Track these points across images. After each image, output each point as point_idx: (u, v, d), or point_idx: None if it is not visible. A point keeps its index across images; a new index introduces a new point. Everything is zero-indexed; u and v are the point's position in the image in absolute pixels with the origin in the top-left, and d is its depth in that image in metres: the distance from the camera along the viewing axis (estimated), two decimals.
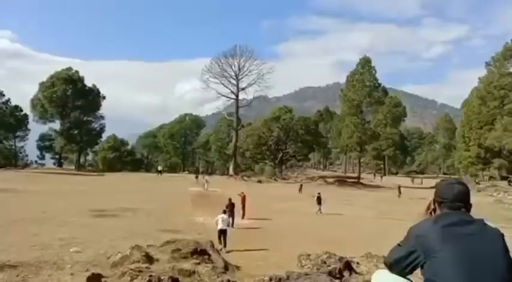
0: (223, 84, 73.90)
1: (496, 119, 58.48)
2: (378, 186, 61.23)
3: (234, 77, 73.60)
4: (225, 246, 14.85)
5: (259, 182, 57.33)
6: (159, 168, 64.85)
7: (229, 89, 74.21)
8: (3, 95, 75.62)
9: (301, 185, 44.81)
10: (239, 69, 73.29)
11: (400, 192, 44.83)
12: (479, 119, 62.31)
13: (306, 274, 3.91)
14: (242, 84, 73.97)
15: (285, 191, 44.48)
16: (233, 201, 21.71)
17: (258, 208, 27.94)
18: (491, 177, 70.60)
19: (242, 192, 25.61)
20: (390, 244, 2.43)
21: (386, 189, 57.58)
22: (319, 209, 28.25)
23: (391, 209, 33.18)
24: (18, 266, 8.72)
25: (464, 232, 2.14)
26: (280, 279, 3.63)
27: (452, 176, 64.06)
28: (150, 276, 4.65)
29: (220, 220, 15.63)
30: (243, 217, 23.29)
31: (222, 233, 15.31)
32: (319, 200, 28.61)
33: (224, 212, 17.27)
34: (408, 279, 2.32)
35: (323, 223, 23.44)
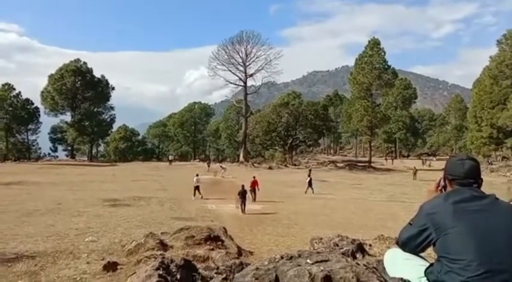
0: (230, 71, 73.72)
1: (508, 98, 57.50)
2: (389, 170, 60.98)
3: (242, 64, 73.30)
4: (195, 194, 24.98)
5: (270, 168, 57.42)
6: (170, 157, 65.41)
7: (237, 76, 74.05)
8: (14, 89, 76.27)
9: (310, 170, 44.70)
10: (246, 56, 72.90)
11: (415, 175, 44.55)
12: (492, 98, 61.30)
13: (318, 252, 3.92)
14: (250, 71, 73.71)
15: (295, 177, 44.52)
16: (245, 188, 22.23)
17: (269, 194, 28.15)
18: (504, 158, 69.82)
19: (254, 176, 27.05)
20: (402, 226, 2.42)
21: (397, 172, 57.35)
22: (307, 190, 30.26)
23: (403, 192, 33.10)
24: (35, 256, 8.91)
25: (475, 208, 2.12)
26: (291, 256, 3.64)
27: None
28: (163, 258, 4.71)
29: (195, 179, 26.03)
30: (254, 200, 23.85)
31: (196, 188, 25.37)
32: (309, 182, 30.78)
33: (197, 175, 27.04)
34: (421, 256, 2.32)
35: (334, 207, 23.48)
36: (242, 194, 21.13)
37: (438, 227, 2.10)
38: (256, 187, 25.26)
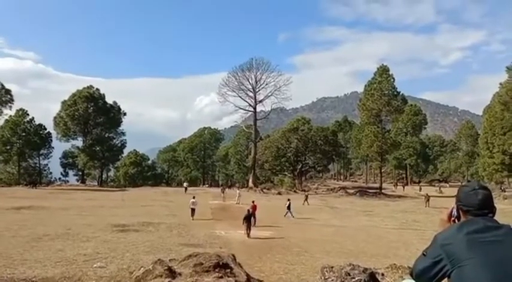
0: (240, 97, 74.62)
1: None
2: (400, 196, 60.21)
3: (251, 90, 74.13)
4: (193, 216, 26.78)
5: (279, 193, 57.07)
6: (185, 184, 64.59)
7: (247, 102, 74.82)
8: (27, 114, 77.63)
9: (307, 196, 44.31)
10: (256, 82, 73.82)
11: (428, 202, 43.67)
12: (503, 124, 60.80)
13: None
14: (259, 97, 74.53)
15: (305, 203, 44.09)
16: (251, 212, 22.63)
17: (278, 220, 27.94)
18: None
19: (253, 201, 26.99)
20: (415, 255, 2.38)
21: (409, 198, 56.58)
22: (287, 213, 31.08)
23: (415, 219, 32.58)
24: None
25: (490, 239, 2.08)
26: None
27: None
28: None
29: (191, 202, 27.59)
30: (254, 224, 23.25)
31: (192, 210, 27.02)
32: (288, 206, 31.68)
33: (193, 197, 28.80)
34: None
35: (345, 235, 23.13)
36: (247, 219, 21.28)
37: (453, 259, 2.06)
38: (254, 212, 24.97)
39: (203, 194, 49.97)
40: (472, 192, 2.29)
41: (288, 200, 33.32)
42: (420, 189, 71.13)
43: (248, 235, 20.60)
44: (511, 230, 2.15)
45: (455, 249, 2.08)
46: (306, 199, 42.63)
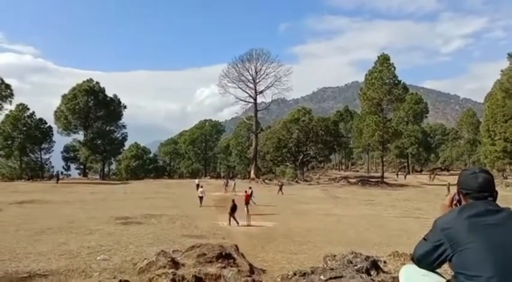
0: (241, 88, 74.44)
1: None
2: (402, 185, 60.28)
3: (252, 81, 73.92)
4: (201, 203, 29.52)
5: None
6: (196, 181, 63.94)
7: (247, 93, 74.65)
8: (28, 109, 77.50)
9: (281, 186, 44.74)
10: (256, 73, 73.58)
11: (449, 191, 41.26)
12: (504, 112, 60.64)
13: (331, 269, 3.86)
14: (260, 88, 74.34)
15: (306, 193, 44.24)
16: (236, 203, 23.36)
17: (280, 210, 28.01)
18: None
19: (246, 191, 27.59)
20: (417, 243, 2.38)
21: (410, 187, 56.66)
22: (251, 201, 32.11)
23: (417, 207, 32.64)
24: (47, 275, 8.91)
25: (491, 222, 2.07)
26: (304, 273, 3.59)
27: None
28: (174, 275, 4.68)
29: (199, 191, 31.15)
30: (247, 213, 23.50)
31: (200, 198, 29.99)
32: (250, 193, 31.93)
33: (201, 187, 33.18)
34: (437, 273, 2.26)
35: (347, 224, 23.20)
36: (232, 209, 22.04)
37: (453, 242, 2.06)
38: (249, 200, 25.27)
39: (206, 186, 50.03)
40: (472, 175, 2.28)
41: (250, 188, 34.11)
42: (430, 178, 70.22)
43: (230, 223, 21.75)
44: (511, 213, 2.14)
45: (456, 233, 2.07)
46: (281, 189, 43.27)
